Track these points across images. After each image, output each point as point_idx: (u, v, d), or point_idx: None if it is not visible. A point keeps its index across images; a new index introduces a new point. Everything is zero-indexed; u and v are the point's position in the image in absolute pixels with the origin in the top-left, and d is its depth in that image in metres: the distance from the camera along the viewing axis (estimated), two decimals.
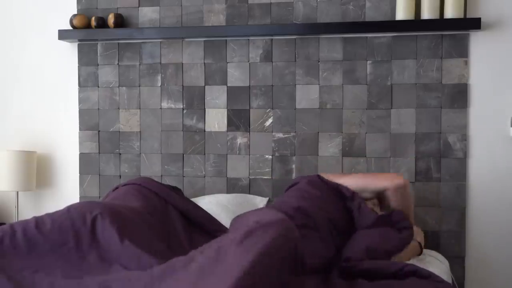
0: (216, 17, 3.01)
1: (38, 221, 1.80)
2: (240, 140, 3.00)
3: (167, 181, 3.05)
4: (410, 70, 2.83)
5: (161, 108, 3.08)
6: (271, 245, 1.40)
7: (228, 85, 3.00)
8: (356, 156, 2.88)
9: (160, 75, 3.07)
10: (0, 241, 1.72)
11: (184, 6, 3.04)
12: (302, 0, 2.92)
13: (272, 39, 2.96)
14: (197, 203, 2.50)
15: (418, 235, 2.39)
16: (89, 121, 3.15)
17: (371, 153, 2.87)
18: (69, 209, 1.86)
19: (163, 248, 1.89)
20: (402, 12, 2.76)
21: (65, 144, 3.22)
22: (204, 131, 3.03)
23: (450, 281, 2.29)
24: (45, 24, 3.23)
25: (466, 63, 2.79)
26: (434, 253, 2.54)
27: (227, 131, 3.01)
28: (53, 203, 3.21)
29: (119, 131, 3.12)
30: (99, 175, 3.14)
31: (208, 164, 3.03)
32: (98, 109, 3.14)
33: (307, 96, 2.93)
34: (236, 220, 1.96)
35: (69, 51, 3.20)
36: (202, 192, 3.03)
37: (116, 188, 2.35)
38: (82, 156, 3.17)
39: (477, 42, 2.79)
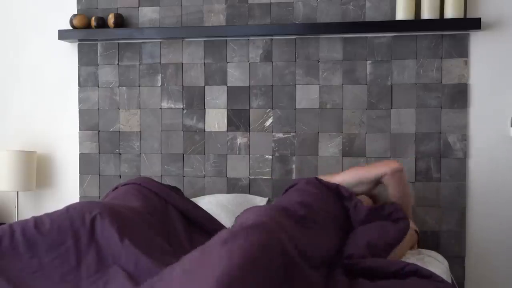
0: (216, 17, 3.01)
1: (37, 221, 1.80)
2: (240, 140, 3.00)
3: (167, 181, 3.05)
4: (410, 70, 2.83)
5: (161, 108, 3.08)
6: (252, 248, 1.40)
7: (228, 85, 3.01)
8: (356, 156, 2.88)
9: (160, 75, 3.07)
10: None
11: (184, 6, 3.04)
12: (302, 0, 2.92)
13: (272, 39, 2.96)
14: (197, 203, 2.50)
15: (414, 224, 2.40)
16: (89, 121, 3.15)
17: (371, 153, 2.87)
18: (68, 209, 1.86)
19: (163, 248, 1.89)
20: (402, 12, 2.76)
21: (65, 144, 3.22)
22: (204, 131, 3.03)
23: (449, 281, 2.29)
24: (45, 24, 3.23)
25: (466, 63, 2.79)
26: (433, 253, 2.54)
27: (227, 131, 3.01)
28: (53, 203, 3.21)
29: (119, 131, 3.12)
30: (99, 175, 3.15)
31: (208, 164, 3.03)
32: (98, 109, 3.14)
33: (307, 96, 2.93)
34: (236, 219, 1.97)
35: (69, 51, 3.20)
36: (202, 192, 3.03)
37: (116, 188, 2.35)
38: (82, 156, 3.17)
39: (477, 42, 2.79)
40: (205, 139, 3.03)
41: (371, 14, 2.86)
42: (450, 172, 2.80)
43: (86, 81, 3.16)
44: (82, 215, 1.82)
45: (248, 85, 2.98)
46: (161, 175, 3.07)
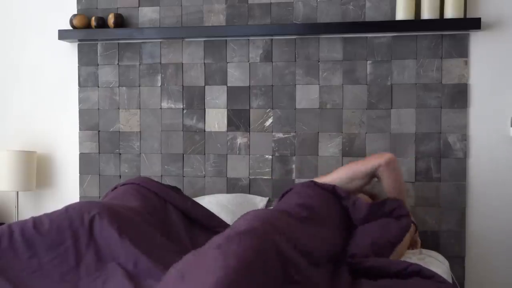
0: (216, 17, 3.01)
1: (36, 221, 1.80)
2: (240, 140, 3.00)
3: (167, 181, 3.05)
4: (410, 70, 2.83)
5: (161, 108, 3.08)
6: (246, 253, 1.40)
7: (228, 85, 3.00)
8: (356, 156, 2.88)
9: (160, 75, 3.07)
10: None
11: (184, 6, 3.04)
12: (302, 0, 2.92)
13: (272, 39, 2.96)
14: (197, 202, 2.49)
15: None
16: (89, 121, 3.15)
17: (371, 153, 2.86)
18: (67, 209, 1.86)
19: (165, 247, 1.89)
20: (402, 12, 2.76)
21: (65, 144, 3.22)
22: (204, 131, 3.03)
23: (450, 281, 2.29)
24: (45, 24, 3.23)
25: (466, 63, 2.79)
26: (434, 253, 2.54)
27: (227, 131, 3.01)
28: (53, 203, 3.21)
29: (119, 131, 3.12)
30: (99, 175, 3.14)
31: (208, 164, 3.03)
32: (98, 109, 3.14)
33: (307, 96, 2.92)
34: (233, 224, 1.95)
35: (69, 51, 3.20)
36: (202, 192, 3.03)
37: (115, 188, 2.36)
38: (82, 156, 3.17)
39: (477, 42, 2.79)
40: (205, 139, 3.03)
41: (371, 14, 2.86)
42: (450, 172, 2.80)
43: (86, 81, 3.16)
44: (81, 215, 1.83)
45: (248, 85, 2.98)
46: (161, 175, 3.07)
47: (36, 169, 3.17)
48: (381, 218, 2.17)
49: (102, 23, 3.06)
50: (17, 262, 1.71)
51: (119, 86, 3.12)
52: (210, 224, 2.24)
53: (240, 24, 2.98)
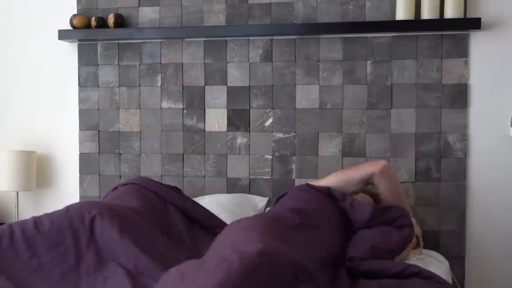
0: (216, 17, 3.01)
1: (36, 221, 1.80)
2: (240, 140, 3.00)
3: (167, 181, 3.05)
4: (410, 70, 2.83)
5: (161, 108, 3.08)
6: (252, 255, 1.38)
7: (228, 85, 3.01)
8: (356, 156, 2.88)
9: (160, 75, 3.07)
10: None
11: (184, 6, 3.04)
12: (302, 0, 2.92)
13: (272, 39, 2.96)
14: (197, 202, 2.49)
15: (415, 227, 2.39)
16: (89, 121, 3.15)
17: (371, 153, 2.87)
18: (68, 209, 1.86)
19: (164, 248, 1.89)
20: (402, 12, 2.76)
21: (65, 144, 3.22)
22: (204, 131, 3.03)
23: (450, 281, 2.29)
24: (45, 24, 3.23)
25: (466, 63, 2.79)
26: (434, 253, 2.54)
27: (227, 131, 3.01)
28: (53, 203, 3.21)
29: (119, 131, 3.12)
30: (99, 175, 3.15)
31: (208, 164, 3.03)
32: (98, 109, 3.14)
33: (307, 96, 2.93)
34: (219, 238, 1.77)
35: (69, 51, 3.20)
36: (202, 192, 3.03)
37: (115, 188, 2.35)
38: (82, 156, 3.17)
39: (477, 42, 2.79)
40: (205, 139, 3.03)
41: (371, 14, 2.86)
42: (450, 172, 2.80)
43: (86, 81, 3.16)
44: (81, 215, 1.83)
45: (248, 85, 2.98)
46: (161, 175, 3.07)
47: (36, 169, 3.17)
48: (382, 225, 2.16)
49: (102, 23, 3.06)
50: (18, 261, 1.71)
51: (119, 86, 3.12)
52: (211, 225, 2.24)
53: (240, 24, 2.98)
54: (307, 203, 2.12)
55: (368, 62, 2.87)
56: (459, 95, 2.79)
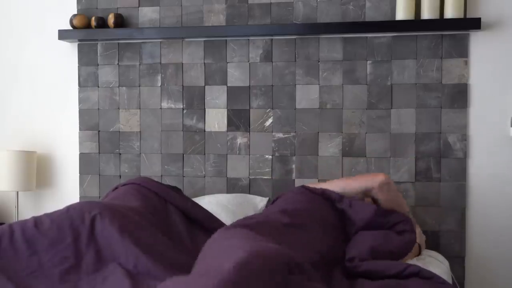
0: (216, 17, 3.01)
1: (36, 221, 1.80)
2: (240, 140, 3.00)
3: (167, 181, 3.05)
4: (410, 70, 2.83)
5: (161, 108, 3.08)
6: (251, 255, 1.38)
7: (228, 85, 3.00)
8: (356, 156, 2.88)
9: (160, 75, 3.07)
10: None
11: (184, 6, 3.04)
12: (302, 0, 2.92)
13: (272, 39, 2.96)
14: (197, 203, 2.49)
15: (419, 236, 2.39)
16: (89, 121, 3.15)
17: (371, 153, 2.87)
18: (69, 209, 1.86)
19: (164, 248, 1.89)
20: (402, 12, 2.76)
21: (65, 144, 3.22)
22: (204, 131, 3.03)
23: (450, 281, 2.29)
24: (45, 24, 3.23)
25: (466, 63, 2.79)
26: (434, 253, 2.54)
27: (227, 131, 3.01)
28: (53, 203, 3.21)
29: (119, 131, 3.12)
30: (99, 175, 3.14)
31: (208, 164, 3.03)
32: (98, 109, 3.14)
33: (307, 96, 2.93)
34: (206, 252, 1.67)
35: (69, 51, 3.20)
36: (202, 192, 3.03)
37: (116, 188, 2.36)
38: (82, 156, 3.17)
39: (477, 42, 2.79)
40: (205, 139, 3.03)
41: (371, 14, 2.86)
42: (450, 172, 2.80)
43: (86, 81, 3.16)
44: (81, 215, 1.83)
45: (248, 85, 2.98)
46: (161, 175, 3.07)
47: (36, 169, 3.17)
48: (382, 228, 2.16)
49: (102, 23, 3.06)
50: (18, 261, 1.71)
51: (119, 86, 3.12)
52: (211, 226, 2.24)
53: (240, 24, 2.98)
54: (299, 204, 2.12)
55: (368, 62, 2.87)
56: (459, 95, 2.79)
